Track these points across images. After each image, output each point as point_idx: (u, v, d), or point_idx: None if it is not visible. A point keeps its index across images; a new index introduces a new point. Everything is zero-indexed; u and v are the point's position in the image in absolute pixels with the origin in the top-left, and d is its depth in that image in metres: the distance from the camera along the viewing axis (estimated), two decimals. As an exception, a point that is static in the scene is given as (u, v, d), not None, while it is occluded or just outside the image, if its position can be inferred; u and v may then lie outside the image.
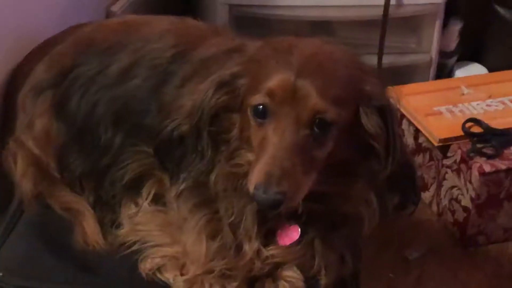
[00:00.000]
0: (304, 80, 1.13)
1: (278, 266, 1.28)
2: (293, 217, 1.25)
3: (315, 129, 1.14)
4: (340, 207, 1.26)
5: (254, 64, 1.21)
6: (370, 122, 1.19)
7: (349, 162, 1.22)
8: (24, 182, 1.45)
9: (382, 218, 1.26)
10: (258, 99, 1.16)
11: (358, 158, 1.22)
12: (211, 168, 1.25)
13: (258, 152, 1.15)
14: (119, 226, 1.39)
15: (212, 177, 1.25)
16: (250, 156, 1.21)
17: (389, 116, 1.20)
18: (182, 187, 1.29)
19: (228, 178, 1.25)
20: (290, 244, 1.27)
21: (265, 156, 1.12)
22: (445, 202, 2.13)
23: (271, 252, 1.27)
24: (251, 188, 1.13)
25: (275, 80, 1.15)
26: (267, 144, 1.14)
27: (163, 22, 1.53)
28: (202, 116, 1.22)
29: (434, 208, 2.19)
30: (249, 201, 1.23)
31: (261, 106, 1.16)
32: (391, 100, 1.23)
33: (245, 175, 1.20)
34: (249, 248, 1.26)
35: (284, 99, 1.14)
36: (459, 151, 2.03)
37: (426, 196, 2.22)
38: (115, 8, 2.15)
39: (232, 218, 1.26)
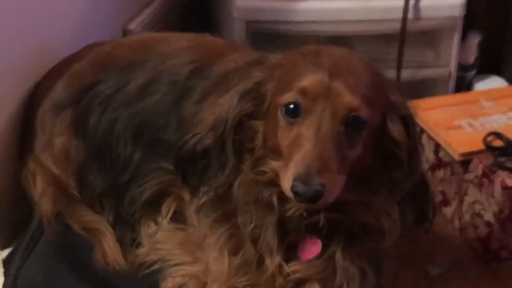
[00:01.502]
0: (337, 79, 1.14)
1: (300, 283, 1.26)
2: (314, 230, 1.24)
3: (349, 126, 1.14)
4: (361, 217, 1.24)
5: (280, 69, 1.21)
6: (395, 129, 1.19)
7: (372, 170, 1.21)
8: (44, 202, 1.44)
9: (402, 231, 1.24)
10: (290, 97, 1.15)
11: (381, 167, 1.21)
12: (233, 179, 1.24)
13: (291, 151, 1.14)
14: (139, 245, 1.38)
15: (235, 185, 1.24)
16: (274, 164, 1.19)
17: (412, 126, 1.20)
18: (202, 200, 1.28)
19: (251, 186, 1.23)
20: (312, 258, 1.25)
21: (302, 150, 1.11)
22: (467, 217, 2.10)
23: (292, 267, 1.25)
24: (287, 182, 1.11)
25: (308, 78, 1.14)
26: (302, 140, 1.12)
27: (181, 39, 1.53)
28: (226, 127, 1.21)
29: (456, 223, 2.16)
30: (269, 212, 1.22)
31: (293, 105, 1.15)
32: (413, 112, 1.22)
33: (268, 183, 1.20)
34: (270, 262, 1.24)
35: (318, 96, 1.13)
36: (480, 166, 2.01)
37: (447, 211, 2.20)
38: (132, 26, 2.15)
39: (252, 231, 1.24)
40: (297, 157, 1.11)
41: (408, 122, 1.20)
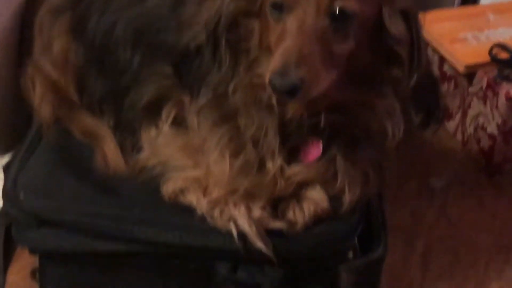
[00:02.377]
0: None
1: (302, 186, 1.26)
2: (315, 133, 1.22)
3: (336, 20, 1.10)
4: (363, 119, 1.22)
5: None
6: (393, 24, 1.14)
7: (372, 69, 1.18)
8: (43, 107, 1.43)
9: (406, 134, 1.22)
10: None
11: (381, 65, 1.18)
12: (230, 78, 1.22)
13: (276, 47, 1.12)
14: (139, 149, 1.37)
15: (231, 87, 1.22)
16: (269, 63, 1.17)
17: (414, 20, 1.16)
18: (201, 102, 1.26)
19: (248, 89, 1.21)
20: (313, 160, 1.24)
21: (283, 44, 1.09)
22: (470, 130, 2.09)
23: (293, 170, 1.24)
24: (267, 76, 1.09)
25: None
26: (286, 34, 1.10)
27: None
28: (219, 23, 1.19)
29: (459, 137, 2.15)
30: (269, 114, 1.21)
31: (278, 1, 1.12)
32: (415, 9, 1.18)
33: (265, 85, 1.17)
34: (272, 165, 1.24)
35: None
36: (485, 78, 1.99)
37: (450, 125, 2.18)
38: None
39: (253, 132, 1.23)
40: (278, 51, 1.09)
41: (409, 16, 1.15)
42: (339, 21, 1.11)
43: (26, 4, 1.57)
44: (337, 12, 1.10)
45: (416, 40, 1.16)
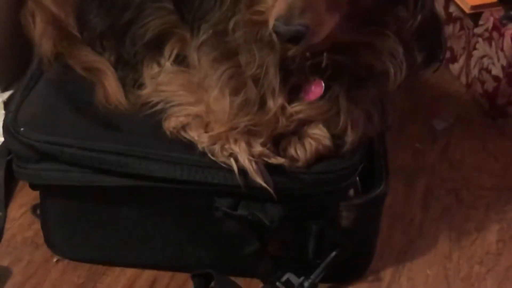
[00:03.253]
0: None
1: (303, 124, 1.25)
2: (317, 72, 1.21)
3: None
4: (366, 59, 1.21)
5: None
6: None
7: (375, 9, 1.16)
8: (43, 42, 1.42)
9: (409, 72, 1.21)
10: None
11: (384, 5, 1.17)
12: (231, 15, 1.20)
13: None
14: (141, 86, 1.36)
15: (231, 24, 1.21)
16: (270, 2, 1.15)
17: None
18: (202, 38, 1.25)
19: (248, 26, 1.20)
20: (315, 99, 1.23)
21: None
22: (474, 72, 2.07)
23: (295, 108, 1.24)
24: (271, 21, 1.08)
25: None
26: None
27: None
28: None
29: (463, 79, 2.13)
30: (270, 51, 1.20)
31: None
32: None
33: (266, 22, 1.15)
34: (273, 103, 1.23)
35: None
36: (491, 18, 1.96)
37: (455, 67, 2.17)
38: None
39: (254, 70, 1.22)
40: None
41: None
42: None
43: None
44: None
45: None
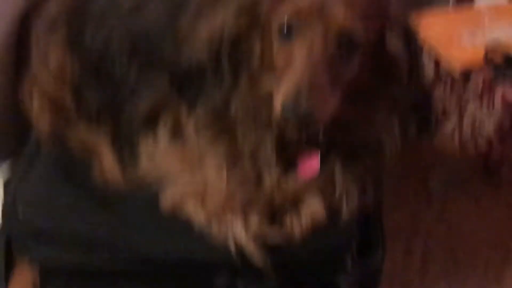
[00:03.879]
0: None
1: (299, 197, 1.27)
2: (313, 146, 1.23)
3: (343, 46, 1.12)
4: (361, 134, 1.23)
5: None
6: (393, 43, 1.16)
7: (371, 86, 1.19)
8: (41, 119, 1.44)
9: (403, 146, 1.24)
10: (283, 17, 1.13)
11: (380, 83, 1.19)
12: (230, 96, 1.22)
13: (284, 71, 1.12)
14: (138, 161, 1.37)
15: (233, 104, 1.23)
16: (271, 83, 1.18)
17: (412, 39, 1.18)
18: (200, 117, 1.27)
19: (248, 104, 1.22)
20: (310, 173, 1.25)
21: (293, 72, 1.09)
22: (467, 132, 2.09)
23: (291, 182, 1.25)
24: (278, 104, 1.10)
25: None
26: (293, 61, 1.11)
27: None
28: (222, 43, 1.19)
29: (456, 139, 2.15)
30: (267, 130, 1.22)
31: (285, 24, 1.13)
32: (413, 25, 1.20)
33: (266, 101, 1.18)
34: (269, 178, 1.25)
35: (311, 16, 1.10)
36: (480, 80, 1.99)
37: (448, 127, 2.19)
38: None
39: (250, 147, 1.24)
40: (288, 80, 1.10)
41: (408, 35, 1.18)
42: (347, 47, 1.12)
43: (23, 17, 1.57)
44: (345, 40, 1.11)
45: (414, 58, 1.18)
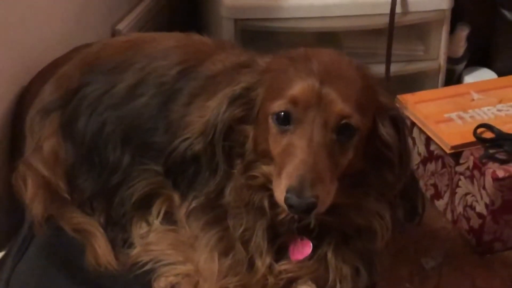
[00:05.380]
0: (328, 86, 1.14)
1: (292, 281, 1.27)
2: (304, 232, 1.24)
3: (341, 134, 1.14)
4: (352, 219, 1.25)
5: (269, 74, 1.21)
6: (385, 131, 1.19)
7: (363, 173, 1.21)
8: (35, 205, 1.44)
9: (395, 230, 1.25)
10: (281, 106, 1.15)
11: (371, 169, 1.22)
12: (224, 184, 1.24)
13: (283, 159, 1.14)
14: (131, 245, 1.38)
15: (227, 190, 1.24)
16: (265, 169, 1.20)
17: (402, 126, 1.21)
18: (192, 205, 1.28)
19: (242, 191, 1.23)
20: (303, 259, 1.25)
21: (295, 161, 1.11)
22: (459, 209, 2.10)
23: (283, 267, 1.26)
24: (281, 193, 1.11)
25: (299, 86, 1.15)
26: (294, 149, 1.13)
27: (169, 39, 1.53)
28: (215, 133, 1.21)
29: (449, 216, 2.16)
30: (260, 216, 1.23)
31: (283, 113, 1.15)
32: (402, 110, 1.23)
33: (260, 187, 1.21)
34: (261, 263, 1.25)
35: (309, 105, 1.13)
36: (471, 158, 2.01)
37: (440, 204, 2.20)
38: (120, 26, 2.14)
39: (243, 233, 1.25)
40: (290, 168, 1.11)
41: (398, 122, 1.21)
42: (344, 135, 1.15)
43: (16, 105, 1.59)
44: (343, 127, 1.14)
45: (404, 144, 1.21)
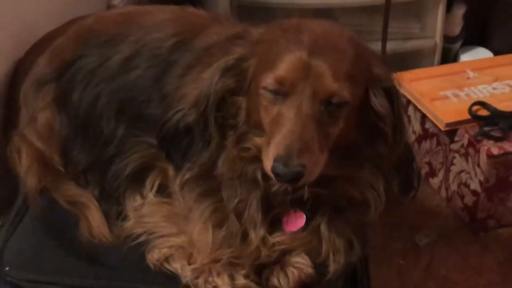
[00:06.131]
0: (318, 58, 1.13)
1: (285, 253, 1.27)
2: (298, 204, 1.24)
3: (330, 106, 1.14)
4: (346, 191, 1.25)
5: (261, 45, 1.20)
6: (378, 102, 1.19)
7: (356, 144, 1.21)
8: (29, 177, 1.44)
9: (388, 203, 1.25)
10: (271, 78, 1.15)
11: (365, 141, 1.22)
12: (217, 155, 1.24)
13: (272, 129, 1.14)
14: (125, 218, 1.38)
15: (220, 162, 1.24)
16: (258, 140, 1.20)
17: (396, 98, 1.21)
18: (186, 176, 1.28)
19: (235, 162, 1.23)
20: (296, 230, 1.26)
21: (283, 130, 1.12)
22: (453, 187, 2.11)
23: (277, 239, 1.26)
24: (268, 162, 1.12)
25: (288, 58, 1.14)
26: (283, 119, 1.13)
27: (164, 12, 1.52)
28: (208, 103, 1.21)
29: (443, 193, 2.17)
30: (253, 187, 1.23)
31: (274, 85, 1.15)
32: (397, 83, 1.22)
33: (252, 159, 1.21)
34: (254, 235, 1.25)
35: (297, 79, 1.13)
36: (466, 135, 2.01)
37: (434, 181, 2.21)
38: (115, 1, 2.14)
39: (236, 205, 1.25)
40: (278, 137, 1.12)
41: (392, 94, 1.20)
42: (334, 106, 1.14)
43: (11, 76, 1.59)
44: (332, 100, 1.14)
45: (398, 116, 1.20)
